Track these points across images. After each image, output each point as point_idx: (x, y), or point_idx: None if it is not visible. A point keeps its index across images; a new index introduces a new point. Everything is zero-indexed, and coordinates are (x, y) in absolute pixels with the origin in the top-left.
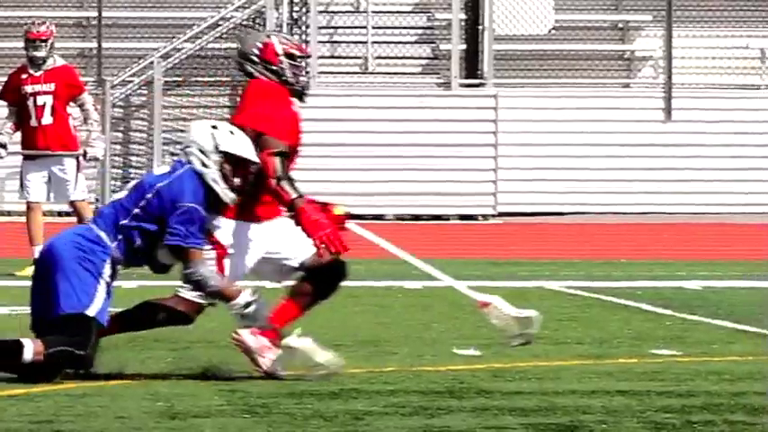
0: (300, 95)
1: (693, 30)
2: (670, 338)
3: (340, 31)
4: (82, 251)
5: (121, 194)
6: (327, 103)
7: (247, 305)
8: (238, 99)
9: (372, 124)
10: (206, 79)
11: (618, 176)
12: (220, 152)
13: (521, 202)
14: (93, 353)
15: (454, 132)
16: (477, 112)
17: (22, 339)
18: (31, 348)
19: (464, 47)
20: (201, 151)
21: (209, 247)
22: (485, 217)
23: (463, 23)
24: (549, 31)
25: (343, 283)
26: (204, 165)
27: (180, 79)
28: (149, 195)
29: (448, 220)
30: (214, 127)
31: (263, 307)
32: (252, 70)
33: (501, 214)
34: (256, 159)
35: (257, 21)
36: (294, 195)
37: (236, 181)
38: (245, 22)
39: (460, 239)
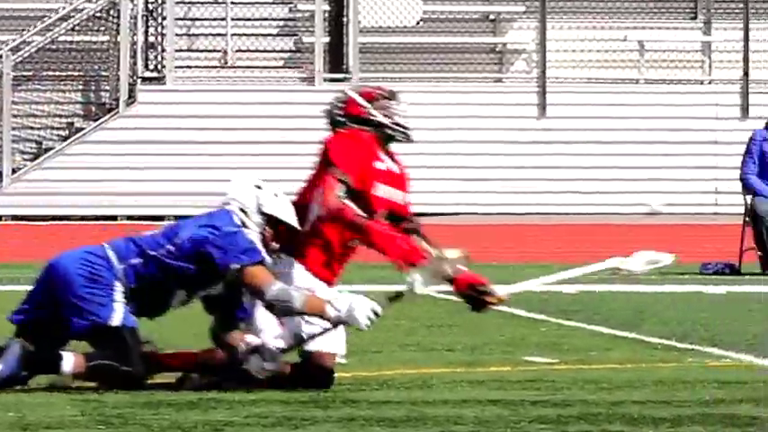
0: (404, 135)
1: (569, 21)
2: (545, 345)
3: (198, 23)
4: (88, 266)
5: (153, 232)
6: (185, 99)
7: (338, 317)
8: (92, 95)
9: (233, 121)
10: (58, 74)
11: (490, 175)
12: (263, 214)
13: None
14: (141, 366)
15: (319, 129)
16: None
17: (62, 352)
18: (71, 361)
19: (328, 39)
20: (242, 210)
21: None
22: None
23: (327, 15)
24: (417, 23)
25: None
26: (244, 224)
27: (30, 74)
28: (185, 233)
29: None
30: (258, 187)
31: (353, 306)
32: (344, 131)
33: None
34: (298, 226)
35: (111, 12)
36: (358, 213)
37: (275, 245)
38: (98, 14)
39: None
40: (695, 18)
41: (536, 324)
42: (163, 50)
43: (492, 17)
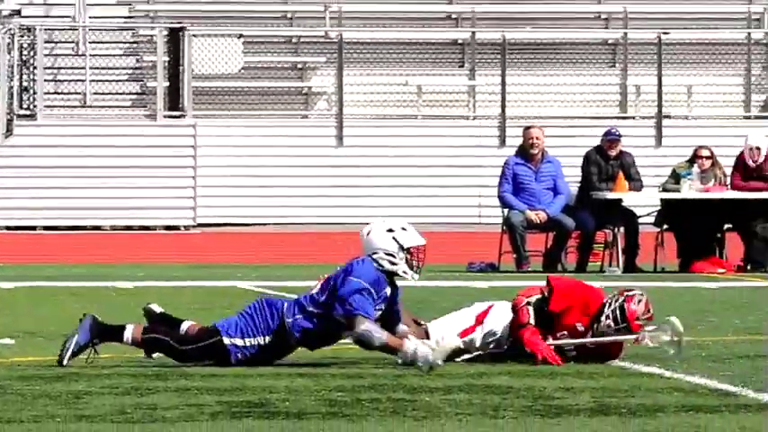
0: None
1: (361, 69)
2: None
3: (63, 71)
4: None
5: (314, 289)
6: (53, 132)
7: (414, 352)
8: None
9: (91, 150)
10: None
11: (297, 193)
12: (404, 249)
13: (217, 214)
14: (195, 355)
15: (160, 156)
16: (179, 140)
17: (126, 324)
18: (130, 330)
19: (167, 84)
20: (388, 254)
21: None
22: (186, 227)
23: (166, 64)
24: (239, 71)
25: (66, 284)
26: (393, 263)
27: None
28: (335, 282)
29: (155, 229)
30: (390, 230)
31: (427, 350)
32: None
33: (200, 225)
34: (424, 241)
35: None
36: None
37: (417, 264)
38: None
39: (166, 247)
40: (462, 66)
41: None
42: (34, 93)
43: (299, 66)
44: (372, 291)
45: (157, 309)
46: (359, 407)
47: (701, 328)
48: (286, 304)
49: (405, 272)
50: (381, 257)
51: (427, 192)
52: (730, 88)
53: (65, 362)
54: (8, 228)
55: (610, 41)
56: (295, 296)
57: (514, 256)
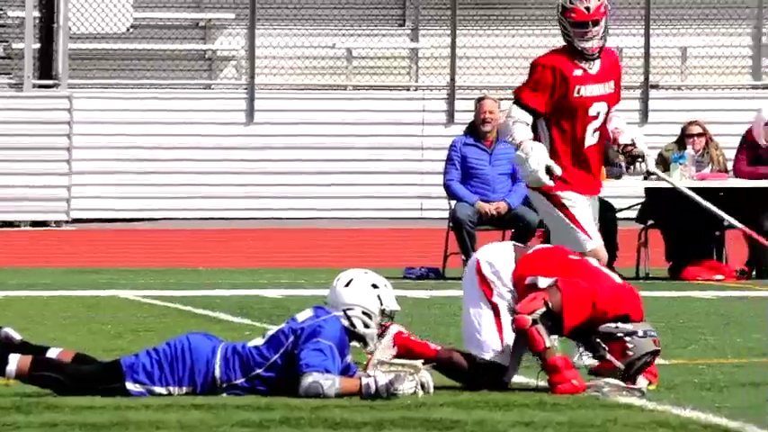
0: None
1: (278, 28)
2: None
3: None
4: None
5: (257, 341)
6: None
7: (374, 392)
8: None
9: None
10: None
11: (198, 180)
12: (384, 313)
13: (96, 207)
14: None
15: (27, 135)
16: (51, 114)
17: (11, 354)
18: (15, 361)
19: (38, 46)
20: (365, 313)
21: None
22: (58, 223)
23: (37, 21)
24: (128, 30)
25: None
26: (366, 326)
27: None
28: (291, 339)
29: (19, 226)
30: (375, 286)
31: (381, 382)
32: None
33: (75, 220)
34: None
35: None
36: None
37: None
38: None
39: (33, 247)
40: (403, 25)
41: (241, 328)
42: None
43: (202, 24)
44: (336, 350)
45: (17, 336)
46: None
47: (694, 348)
48: (220, 357)
49: (372, 339)
50: (357, 315)
51: (357, 180)
52: (736, 50)
53: None
54: None
55: None
56: (223, 341)
57: (463, 258)
